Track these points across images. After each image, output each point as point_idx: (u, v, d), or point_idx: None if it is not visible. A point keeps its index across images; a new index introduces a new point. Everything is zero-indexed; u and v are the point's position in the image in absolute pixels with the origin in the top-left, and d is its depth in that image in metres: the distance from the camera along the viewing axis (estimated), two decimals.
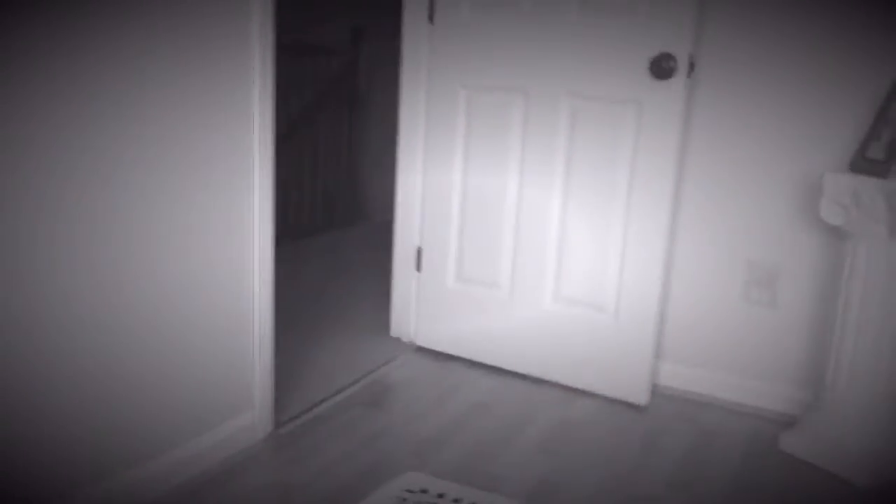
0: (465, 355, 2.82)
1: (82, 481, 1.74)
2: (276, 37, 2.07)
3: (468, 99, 2.69)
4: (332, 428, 2.31)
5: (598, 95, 2.46)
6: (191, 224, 1.90)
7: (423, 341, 2.91)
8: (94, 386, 1.73)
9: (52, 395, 1.65)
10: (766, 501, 2.05)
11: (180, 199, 1.86)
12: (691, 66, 2.34)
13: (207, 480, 2.00)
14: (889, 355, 2.16)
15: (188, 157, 1.87)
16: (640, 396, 2.54)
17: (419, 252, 2.89)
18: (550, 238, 2.62)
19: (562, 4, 2.48)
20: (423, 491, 1.98)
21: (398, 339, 2.99)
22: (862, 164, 2.14)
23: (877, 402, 2.18)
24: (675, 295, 2.64)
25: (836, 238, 2.34)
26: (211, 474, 2.02)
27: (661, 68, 2.32)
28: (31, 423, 1.62)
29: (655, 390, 2.66)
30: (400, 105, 2.87)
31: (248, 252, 2.09)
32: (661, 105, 2.37)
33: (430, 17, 2.72)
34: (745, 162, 2.49)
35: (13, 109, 1.49)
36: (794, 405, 2.49)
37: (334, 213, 4.63)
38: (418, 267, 2.90)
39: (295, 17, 3.70)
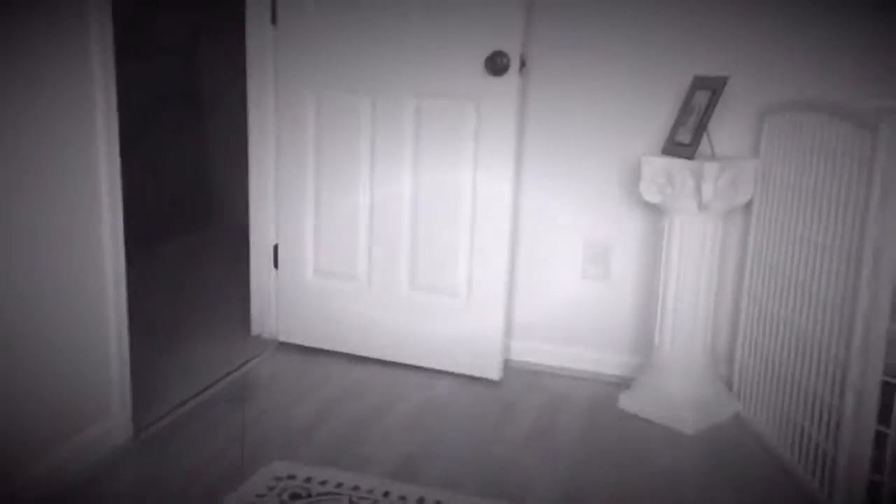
0: (328, 347, 2.90)
1: None
2: (114, 35, 2.07)
3: (318, 99, 2.77)
4: (195, 428, 2.33)
5: (441, 93, 2.61)
6: (37, 231, 1.87)
7: (285, 337, 2.96)
8: None
9: None
10: (608, 451, 2.28)
11: (26, 205, 1.83)
12: (522, 63, 2.54)
13: (68, 490, 1.97)
14: (704, 315, 2.45)
15: (32, 163, 1.84)
16: (494, 372, 2.72)
17: (276, 249, 2.94)
18: (404, 229, 2.75)
19: (404, 6, 2.61)
20: (291, 477, 2.06)
21: (259, 337, 3.03)
22: (672, 147, 2.41)
23: (697, 358, 2.46)
24: (522, 275, 2.85)
25: (657, 214, 2.61)
26: (71, 483, 2.00)
27: (496, 65, 2.50)
28: None
29: (508, 365, 2.85)
30: (248, 106, 2.91)
31: (98, 256, 2.07)
32: (498, 99, 2.55)
33: (273, 20, 2.78)
34: (577, 149, 2.72)
35: None
36: (630, 369, 2.75)
37: (185, 216, 4.55)
38: (276, 264, 2.95)
39: (129, 15, 3.61)
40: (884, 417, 1.85)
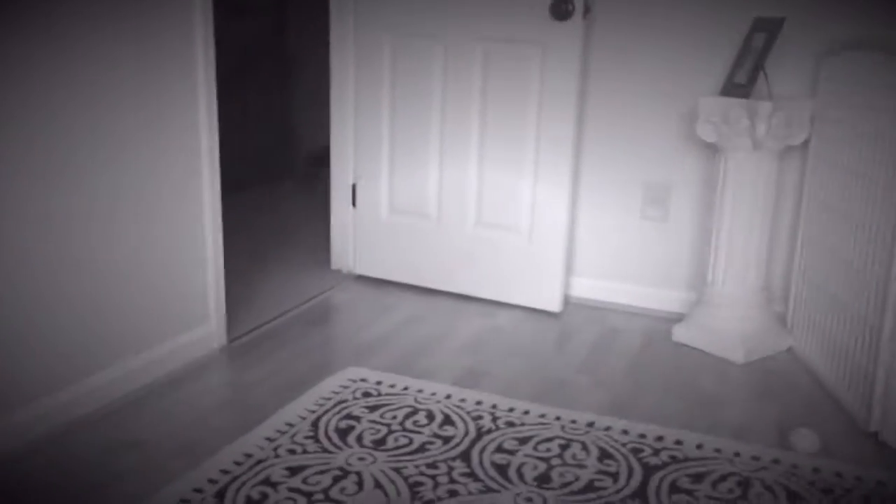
0: (400, 280, 3.12)
1: (69, 376, 1.99)
2: None
3: (393, 45, 2.96)
4: (280, 340, 2.59)
5: (508, 38, 2.76)
6: (153, 171, 2.16)
7: (361, 270, 3.20)
8: (82, 296, 1.98)
9: (41, 305, 1.89)
10: (658, 375, 2.42)
11: (141, 142, 2.11)
12: (587, 9, 2.66)
13: (172, 381, 2.26)
14: (757, 252, 2.54)
15: (145, 112, 2.11)
16: (554, 305, 2.88)
17: (354, 189, 3.17)
18: (471, 169, 2.92)
19: None
20: (363, 380, 2.29)
21: (339, 271, 3.27)
22: (730, 88, 2.50)
23: (748, 293, 2.56)
24: (583, 215, 2.99)
25: (714, 155, 2.70)
26: (174, 375, 2.29)
27: (560, 10, 2.63)
28: (30, 323, 1.86)
29: (568, 300, 3.01)
30: (330, 54, 3.13)
31: (197, 192, 2.35)
32: (562, 44, 2.68)
33: None
34: (637, 94, 2.83)
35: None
36: (686, 305, 2.86)
37: (275, 164, 4.85)
38: (353, 202, 3.18)
39: None
40: None
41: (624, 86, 2.84)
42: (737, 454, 1.94)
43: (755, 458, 1.92)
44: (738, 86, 2.46)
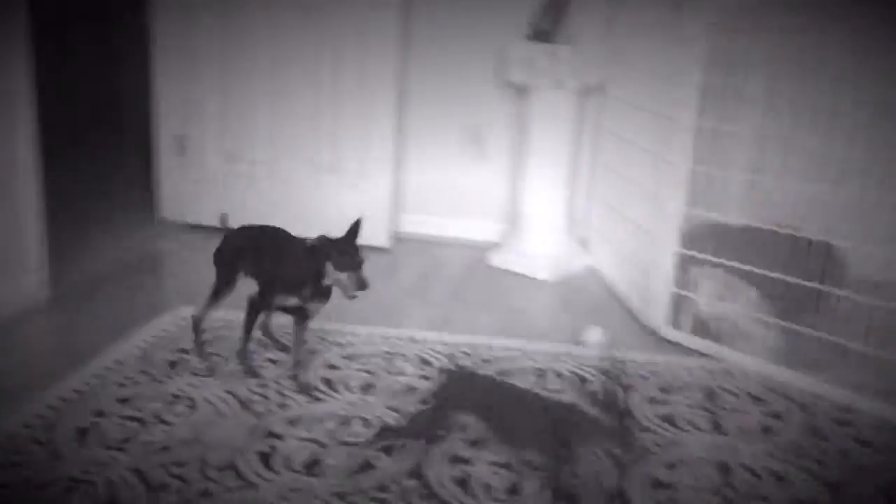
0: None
1: None
2: None
3: None
4: (109, 287, 2.61)
5: None
6: None
7: (192, 219, 3.23)
8: None
9: None
10: (474, 295, 2.66)
11: None
12: None
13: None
14: (561, 183, 2.83)
15: None
16: (384, 240, 3.06)
17: (181, 139, 3.18)
18: (301, 115, 3.02)
19: None
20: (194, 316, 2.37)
21: (169, 220, 3.28)
22: (535, 34, 2.73)
23: (553, 220, 2.85)
24: (410, 155, 3.17)
25: (523, 95, 2.94)
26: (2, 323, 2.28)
27: None
28: None
29: (398, 236, 3.20)
30: (149, 15, 3.11)
31: (12, 150, 2.32)
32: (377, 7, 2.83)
33: None
34: (454, 41, 3.03)
35: None
36: (504, 235, 3.12)
37: (100, 123, 4.69)
38: (181, 152, 3.19)
39: None
40: (684, 243, 2.26)
41: (442, 35, 3.03)
42: (537, 352, 2.21)
43: (552, 355, 2.20)
44: (543, 31, 2.70)
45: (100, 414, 1.83)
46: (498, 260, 2.92)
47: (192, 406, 1.88)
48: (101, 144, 4.61)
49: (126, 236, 3.10)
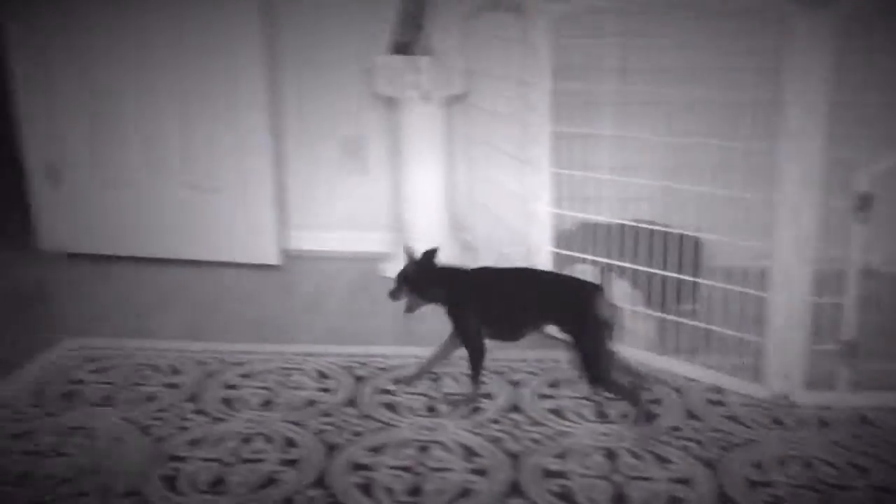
0: (114, 252, 3.13)
1: None
2: None
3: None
4: None
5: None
6: None
7: (72, 247, 3.14)
8: None
9: None
10: (370, 306, 2.72)
11: None
12: None
13: None
14: (439, 189, 2.93)
15: None
16: (273, 258, 3.08)
17: (52, 166, 3.09)
18: (173, 136, 3.00)
19: None
20: (83, 347, 2.33)
21: (47, 250, 3.18)
22: (397, 46, 2.82)
23: (437, 227, 2.95)
24: (292, 172, 3.20)
25: (392, 107, 3.03)
26: None
27: None
28: None
29: (287, 254, 3.22)
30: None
31: None
32: (246, 17, 2.85)
33: None
34: (328, 56, 3.08)
35: None
36: (392, 244, 3.20)
37: None
38: (53, 180, 3.10)
39: None
40: (558, 243, 2.42)
41: (315, 51, 3.07)
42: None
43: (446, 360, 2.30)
44: (402, 44, 2.80)
45: None
46: (389, 269, 2.99)
47: (92, 437, 1.86)
48: None
49: (4, 268, 2.99)
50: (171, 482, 1.69)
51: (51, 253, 3.17)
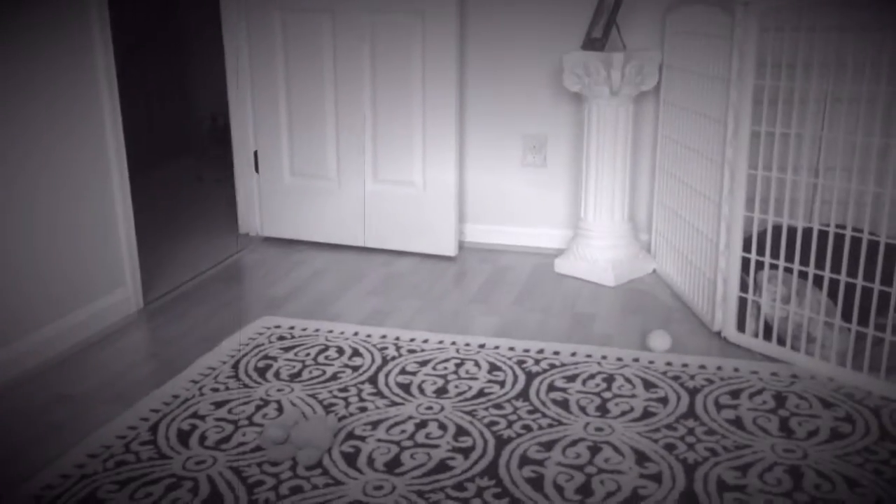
0: (305, 238, 3.34)
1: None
2: None
3: (284, 20, 3.14)
4: (195, 300, 2.78)
5: (391, 9, 2.98)
6: (61, 153, 2.30)
7: (268, 232, 3.39)
8: (8, 270, 2.13)
9: None
10: (540, 301, 2.73)
11: (52, 132, 2.25)
12: None
13: (96, 341, 2.43)
14: (621, 188, 2.88)
15: (53, 103, 2.25)
16: (450, 249, 3.16)
17: (256, 156, 3.34)
18: (366, 132, 3.15)
19: None
20: (277, 327, 2.51)
21: (247, 234, 3.46)
22: (588, 43, 2.80)
23: (616, 225, 2.90)
24: (471, 167, 3.26)
25: (579, 103, 3.01)
26: (98, 336, 2.46)
27: None
28: None
29: (462, 246, 3.30)
30: (223, 32, 3.28)
31: (105, 168, 2.51)
32: (440, 13, 2.92)
33: None
34: (511, 55, 3.11)
35: None
36: (564, 241, 3.19)
37: (175, 143, 4.92)
38: (256, 169, 3.36)
39: None
40: (747, 247, 2.30)
41: (500, 45, 3.11)
42: (604, 357, 2.27)
43: (619, 359, 2.26)
44: (595, 40, 2.76)
45: (197, 416, 1.98)
46: (563, 266, 2.98)
47: (279, 409, 2.01)
48: (183, 164, 4.83)
49: (210, 250, 3.28)
50: (351, 459, 1.79)
51: (249, 236, 3.43)
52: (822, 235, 2.16)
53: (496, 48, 3.11)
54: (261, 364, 2.26)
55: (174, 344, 2.43)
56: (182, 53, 4.94)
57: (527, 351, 2.32)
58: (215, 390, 2.11)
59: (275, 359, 2.29)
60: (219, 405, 2.04)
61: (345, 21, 3.05)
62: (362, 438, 1.88)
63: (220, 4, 3.27)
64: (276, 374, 2.20)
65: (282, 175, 3.31)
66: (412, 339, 2.41)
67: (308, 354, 2.32)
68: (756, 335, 2.30)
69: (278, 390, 2.11)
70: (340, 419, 1.96)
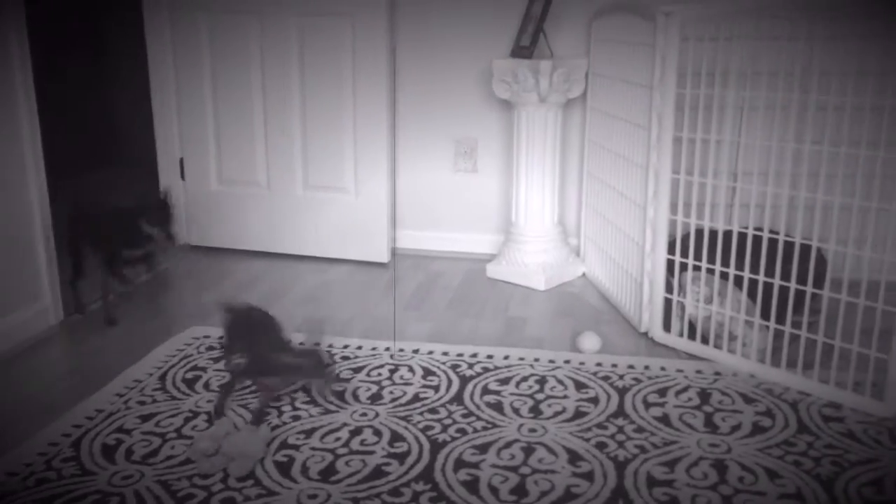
0: (236, 247, 3.28)
1: None
2: None
3: (210, 23, 3.09)
4: (122, 310, 2.69)
5: (319, 12, 2.97)
6: None
7: (196, 241, 3.32)
8: None
9: None
10: (473, 307, 2.75)
11: None
12: None
13: (14, 355, 2.33)
14: (550, 193, 2.93)
15: None
16: (383, 256, 3.15)
17: (181, 162, 3.27)
18: (296, 138, 3.12)
19: None
20: (207, 336, 2.46)
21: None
22: (517, 50, 2.84)
23: (546, 230, 2.95)
24: (404, 173, 3.27)
25: (509, 109, 3.05)
26: (16, 350, 2.36)
27: None
28: None
29: (395, 252, 3.29)
30: (146, 36, 3.20)
31: (22, 181, 2.44)
32: (370, 17, 2.92)
33: None
34: (443, 61, 3.13)
35: None
36: (498, 246, 3.22)
37: (99, 151, 4.78)
38: (182, 176, 3.28)
39: None
40: (672, 249, 2.37)
41: (431, 51, 3.13)
42: (536, 360, 2.30)
43: (551, 361, 2.29)
44: (523, 48, 2.81)
45: (123, 430, 1.92)
46: (495, 270, 3.01)
47: (209, 421, 1.97)
48: (108, 175, 4.69)
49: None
50: (284, 468, 1.77)
51: (176, 245, 3.35)
52: (742, 237, 2.24)
53: (427, 54, 3.13)
54: (189, 375, 2.21)
55: (97, 357, 2.35)
56: (102, 59, 4.80)
57: (460, 355, 2.34)
58: (142, 403, 2.06)
59: (204, 369, 2.25)
60: (146, 418, 1.98)
61: (272, 24, 3.02)
62: (296, 447, 1.85)
63: (142, 7, 3.19)
64: (206, 385, 2.15)
65: (209, 182, 3.25)
66: (346, 347, 2.40)
67: None
68: (681, 335, 2.37)
69: (208, 401, 2.07)
70: (273, 429, 1.93)
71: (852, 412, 1.99)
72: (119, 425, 1.95)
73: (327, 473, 1.75)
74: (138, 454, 1.82)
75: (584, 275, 3.02)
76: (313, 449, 1.84)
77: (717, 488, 1.70)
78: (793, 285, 2.11)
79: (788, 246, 2.17)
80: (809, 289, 2.08)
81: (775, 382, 2.14)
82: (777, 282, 2.13)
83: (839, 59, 1.98)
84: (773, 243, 2.20)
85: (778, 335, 2.23)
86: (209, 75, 3.14)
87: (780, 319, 2.18)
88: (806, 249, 2.18)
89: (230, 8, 3.05)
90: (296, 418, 1.98)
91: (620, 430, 1.93)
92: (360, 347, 2.39)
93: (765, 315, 2.22)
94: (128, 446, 1.85)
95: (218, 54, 3.10)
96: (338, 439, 1.89)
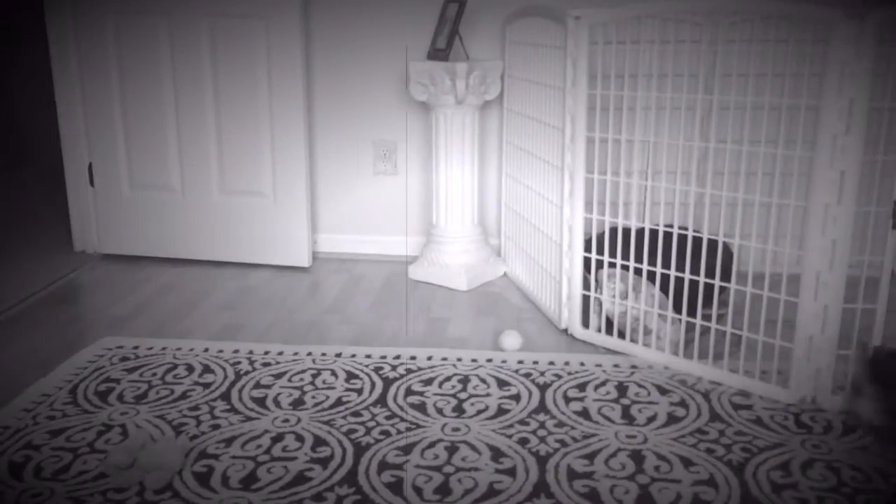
0: (149, 254, 3.19)
1: None
2: None
3: (117, 25, 2.99)
4: (28, 322, 2.59)
5: (232, 13, 2.92)
6: None
7: (107, 249, 3.21)
8: None
9: None
10: (396, 310, 2.75)
11: None
12: None
13: None
14: (469, 194, 2.96)
15: None
16: (303, 260, 3.12)
17: (90, 168, 3.16)
18: (211, 142, 3.05)
19: None
20: (119, 347, 2.38)
21: (83, 252, 3.25)
22: (433, 53, 2.86)
23: (466, 231, 2.98)
24: (323, 176, 3.24)
25: (428, 111, 3.07)
26: None
27: None
28: None
29: (316, 256, 3.26)
30: (49, 39, 3.08)
31: None
32: (283, 17, 2.89)
33: None
34: (359, 62, 3.12)
35: None
36: (419, 248, 3.23)
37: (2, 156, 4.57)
38: (91, 182, 3.17)
39: None
40: (588, 247, 2.43)
41: (348, 53, 3.12)
42: (459, 359, 2.32)
43: (474, 360, 2.32)
44: (439, 50, 2.83)
45: (31, 447, 1.84)
46: (417, 272, 3.02)
47: (124, 433, 1.91)
48: (11, 178, 4.49)
49: (43, 269, 3.06)
50: (203, 479, 1.73)
51: (86, 254, 3.24)
52: (654, 234, 2.32)
53: (344, 55, 3.12)
54: (102, 387, 2.14)
55: (2, 372, 2.25)
56: (2, 59, 4.59)
57: (384, 358, 2.33)
58: (51, 418, 1.98)
59: (118, 381, 2.18)
60: (55, 433, 1.91)
61: (182, 25, 2.95)
62: (216, 457, 1.82)
63: (44, 6, 3.07)
64: (120, 397, 2.09)
65: (120, 187, 3.14)
66: (266, 353, 2.37)
67: (155, 374, 2.22)
68: (599, 330, 2.43)
69: (122, 413, 2.00)
70: (192, 438, 1.89)
71: (760, 399, 2.08)
72: (27, 441, 1.87)
73: (249, 481, 1.72)
74: (48, 471, 1.75)
75: (505, 274, 3.07)
76: (234, 457, 1.81)
77: (635, 478, 1.75)
78: (702, 279, 2.19)
79: (697, 241, 2.25)
80: (717, 282, 2.16)
81: (688, 373, 2.22)
82: (687, 276, 2.21)
83: (741, 62, 2.08)
84: (682, 239, 2.28)
85: (690, 328, 2.32)
86: (117, 77, 3.04)
87: (692, 312, 2.26)
88: (713, 245, 2.27)
89: (137, 8, 2.96)
90: (215, 427, 1.94)
91: (542, 425, 1.96)
92: (281, 353, 2.36)
93: (677, 309, 2.30)
94: (36, 463, 1.78)
95: (126, 55, 3.01)
96: (259, 446, 1.86)
